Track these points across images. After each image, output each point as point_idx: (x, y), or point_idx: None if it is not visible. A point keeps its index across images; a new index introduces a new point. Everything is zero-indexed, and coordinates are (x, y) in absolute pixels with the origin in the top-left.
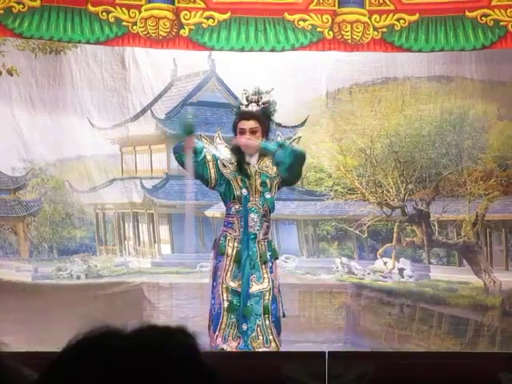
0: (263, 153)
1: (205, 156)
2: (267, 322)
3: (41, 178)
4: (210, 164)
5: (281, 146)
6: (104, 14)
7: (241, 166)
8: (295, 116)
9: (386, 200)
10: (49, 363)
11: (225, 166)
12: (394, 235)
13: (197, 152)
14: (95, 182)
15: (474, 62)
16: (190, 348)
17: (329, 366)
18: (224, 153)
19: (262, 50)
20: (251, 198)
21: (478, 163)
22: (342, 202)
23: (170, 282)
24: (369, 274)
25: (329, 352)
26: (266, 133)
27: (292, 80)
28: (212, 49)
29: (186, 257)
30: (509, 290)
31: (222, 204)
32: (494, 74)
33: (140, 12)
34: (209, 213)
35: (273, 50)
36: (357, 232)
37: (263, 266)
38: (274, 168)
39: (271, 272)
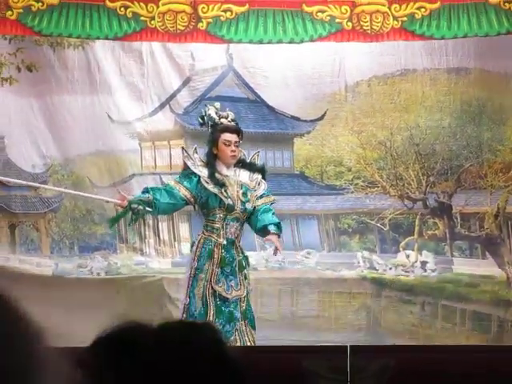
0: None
1: (174, 190)
2: (244, 327)
3: (61, 174)
4: (182, 190)
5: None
6: (122, 9)
7: (214, 176)
8: (314, 110)
9: (407, 193)
10: (77, 358)
11: (207, 183)
12: (416, 228)
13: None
14: (115, 177)
15: (492, 54)
16: (217, 343)
17: (350, 360)
18: (203, 170)
19: (280, 42)
20: (235, 208)
21: (498, 155)
22: (363, 196)
23: None
24: (390, 268)
25: (350, 346)
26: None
27: (310, 73)
28: (230, 42)
29: None
30: None
31: None
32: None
33: (158, 6)
34: None
35: (291, 41)
36: (378, 225)
37: (240, 274)
38: (253, 182)
39: (245, 279)
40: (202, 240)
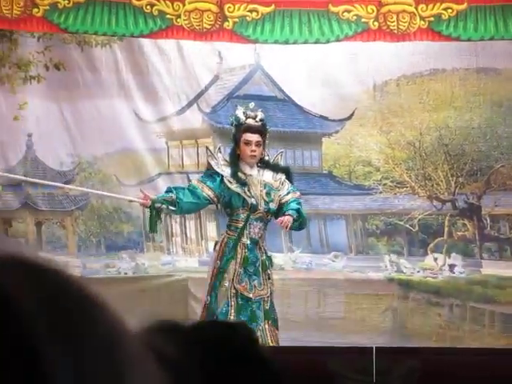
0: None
1: (197, 190)
2: (266, 327)
3: (88, 172)
4: (205, 190)
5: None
6: (148, 7)
7: (237, 176)
8: (342, 109)
9: (436, 194)
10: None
11: (230, 182)
12: (445, 229)
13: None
14: (142, 176)
15: None
16: (252, 343)
17: (376, 362)
18: (226, 170)
19: (306, 42)
20: (258, 207)
21: None
22: (391, 196)
23: None
24: (418, 271)
25: (376, 347)
26: (264, 147)
27: (338, 72)
28: (256, 41)
29: None
30: None
31: None
32: None
33: (184, 5)
34: None
35: (317, 42)
36: (407, 226)
37: (263, 274)
38: (277, 182)
39: (269, 279)
40: (225, 239)
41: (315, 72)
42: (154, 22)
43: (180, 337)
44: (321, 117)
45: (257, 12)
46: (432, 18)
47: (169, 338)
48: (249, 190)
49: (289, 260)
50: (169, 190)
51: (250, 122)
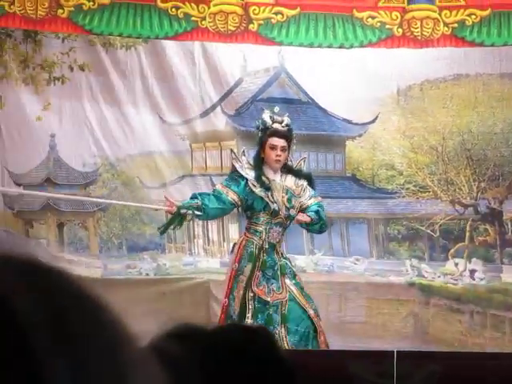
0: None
1: (222, 195)
2: (283, 330)
3: (111, 174)
4: (230, 194)
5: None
6: (173, 9)
7: (261, 179)
8: (366, 113)
9: (458, 198)
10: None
11: (255, 186)
12: (467, 234)
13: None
14: (165, 178)
15: None
16: (272, 347)
17: (397, 366)
18: (250, 173)
19: (330, 46)
20: (279, 213)
21: None
22: (414, 201)
23: None
24: (439, 277)
25: (397, 351)
26: (288, 153)
27: (362, 76)
28: (281, 44)
29: None
30: None
31: None
32: None
33: (209, 7)
34: None
35: (341, 46)
36: (428, 231)
37: (282, 277)
38: (299, 188)
39: (293, 281)
40: (243, 242)
41: (339, 76)
42: (179, 24)
43: (201, 340)
44: (344, 120)
45: (282, 14)
46: (456, 24)
47: (189, 342)
48: (272, 195)
49: (310, 262)
50: (194, 197)
51: (277, 126)
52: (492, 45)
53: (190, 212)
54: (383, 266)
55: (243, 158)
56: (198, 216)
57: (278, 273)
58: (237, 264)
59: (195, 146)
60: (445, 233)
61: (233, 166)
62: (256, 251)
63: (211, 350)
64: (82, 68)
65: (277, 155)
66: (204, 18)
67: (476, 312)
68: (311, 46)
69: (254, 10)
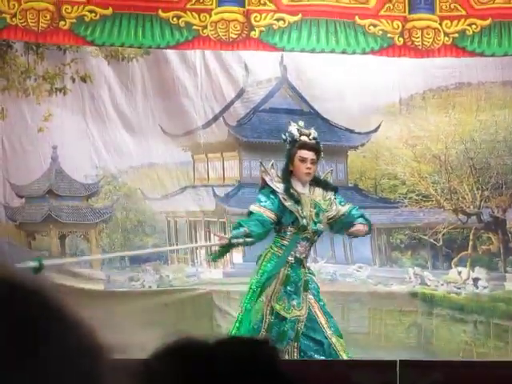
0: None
1: (263, 217)
2: (296, 344)
3: (113, 186)
4: (268, 214)
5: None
6: (175, 19)
7: (290, 192)
8: (368, 122)
9: (461, 207)
10: (131, 373)
11: (285, 200)
12: (470, 243)
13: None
14: (167, 189)
15: None
16: (274, 361)
17: (400, 375)
18: (280, 186)
19: (332, 51)
20: (307, 227)
21: None
22: (417, 210)
23: (241, 290)
24: (442, 285)
25: (400, 361)
26: (317, 166)
27: (364, 86)
28: (283, 50)
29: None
30: None
31: None
32: None
33: (210, 16)
34: None
35: (344, 52)
36: (431, 240)
37: (304, 294)
38: (327, 202)
39: (318, 298)
40: (269, 255)
41: (341, 86)
42: (181, 33)
43: (201, 354)
44: (346, 129)
45: (283, 21)
46: (456, 34)
47: (190, 356)
48: (302, 209)
49: (313, 271)
50: (239, 225)
51: (304, 139)
52: (492, 55)
53: (241, 241)
54: (386, 273)
55: (272, 171)
56: (247, 243)
57: (301, 288)
58: (259, 276)
59: (197, 157)
60: (448, 242)
61: (262, 179)
62: (281, 265)
63: (211, 363)
64: (83, 79)
65: (307, 168)
66: (205, 27)
67: (479, 322)
68: (313, 51)
69: (256, 17)
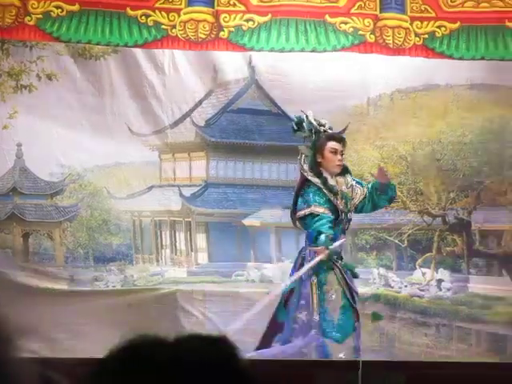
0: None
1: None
2: None
3: (78, 184)
4: (327, 212)
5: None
6: (143, 17)
7: (328, 185)
8: (336, 123)
9: (426, 208)
10: (90, 371)
11: (327, 194)
12: (435, 244)
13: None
14: (133, 188)
15: None
16: (232, 358)
17: (362, 375)
18: (319, 182)
19: (303, 50)
20: (343, 219)
21: None
22: (382, 211)
23: (205, 290)
24: (406, 286)
25: (362, 361)
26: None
27: (333, 86)
28: (252, 49)
29: (222, 265)
30: None
31: (260, 213)
32: None
33: (179, 15)
34: (247, 222)
35: (314, 50)
36: (396, 241)
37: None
38: (350, 189)
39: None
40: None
41: (310, 86)
42: (149, 33)
43: (159, 352)
44: None
45: (253, 21)
46: (426, 36)
47: (147, 354)
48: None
49: (278, 271)
50: (319, 233)
51: (326, 129)
52: (460, 58)
53: (338, 244)
54: None
55: (305, 165)
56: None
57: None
58: (314, 277)
59: (164, 156)
60: (413, 243)
61: (302, 174)
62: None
63: (170, 361)
64: (49, 77)
65: (339, 160)
66: (174, 26)
67: (442, 325)
68: (282, 50)
69: (225, 17)
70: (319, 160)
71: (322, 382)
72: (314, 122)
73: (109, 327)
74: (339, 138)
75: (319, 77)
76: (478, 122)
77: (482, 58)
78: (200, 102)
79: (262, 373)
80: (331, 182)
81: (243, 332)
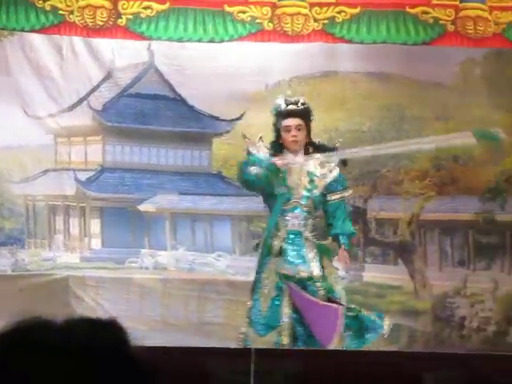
0: None
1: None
2: None
3: None
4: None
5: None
6: (40, 2)
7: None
8: (234, 109)
9: None
10: None
11: (267, 170)
12: None
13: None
14: (28, 172)
15: (413, 61)
16: (121, 341)
17: (255, 363)
18: (265, 158)
19: (200, 41)
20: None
21: (415, 162)
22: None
23: (98, 276)
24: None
25: (255, 349)
26: (309, 132)
27: (231, 72)
28: (150, 39)
29: (116, 252)
30: (439, 294)
31: (155, 198)
32: (431, 74)
33: (77, 1)
34: (142, 207)
35: (211, 41)
36: None
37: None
38: (325, 168)
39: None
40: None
41: (208, 72)
42: (46, 18)
43: (49, 334)
44: (211, 116)
45: (151, 9)
46: (326, 21)
47: (34, 336)
48: (287, 179)
49: (172, 259)
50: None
51: (292, 107)
52: (361, 42)
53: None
54: (246, 263)
55: (260, 143)
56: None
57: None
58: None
59: (60, 140)
60: None
61: (248, 151)
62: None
63: (57, 342)
64: None
65: (292, 136)
66: (72, 12)
67: None
68: (180, 40)
69: (123, 4)
70: (281, 142)
71: (212, 369)
72: (281, 102)
73: None
74: (294, 113)
75: (218, 63)
76: (376, 110)
77: (384, 42)
78: (98, 86)
79: (154, 359)
80: (293, 160)
81: (136, 319)
